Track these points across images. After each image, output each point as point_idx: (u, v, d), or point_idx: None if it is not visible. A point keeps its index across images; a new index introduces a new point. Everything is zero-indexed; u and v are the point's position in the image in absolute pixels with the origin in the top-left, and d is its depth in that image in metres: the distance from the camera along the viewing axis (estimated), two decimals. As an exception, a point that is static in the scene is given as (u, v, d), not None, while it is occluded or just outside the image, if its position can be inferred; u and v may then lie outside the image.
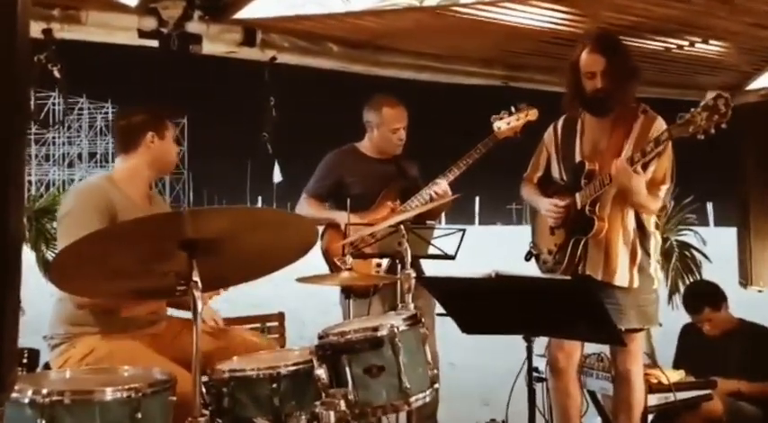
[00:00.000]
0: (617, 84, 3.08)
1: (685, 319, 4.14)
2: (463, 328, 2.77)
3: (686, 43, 3.84)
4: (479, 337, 2.85)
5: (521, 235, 4.10)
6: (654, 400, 3.42)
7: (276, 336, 3.74)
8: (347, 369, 2.32)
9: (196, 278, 2.05)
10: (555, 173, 3.38)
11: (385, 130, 3.84)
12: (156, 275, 2.12)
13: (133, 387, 2.04)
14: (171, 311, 2.90)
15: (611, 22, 3.46)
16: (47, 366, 2.77)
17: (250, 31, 3.36)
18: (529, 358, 2.68)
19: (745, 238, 5.02)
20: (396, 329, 2.38)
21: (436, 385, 2.49)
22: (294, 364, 2.39)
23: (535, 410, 2.75)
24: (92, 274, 2.13)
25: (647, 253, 3.20)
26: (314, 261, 3.19)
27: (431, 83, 4.18)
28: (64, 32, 3.00)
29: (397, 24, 3.53)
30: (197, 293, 2.05)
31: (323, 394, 2.25)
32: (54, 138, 46.75)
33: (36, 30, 2.89)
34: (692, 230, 5.79)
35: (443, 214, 4.72)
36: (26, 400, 1.96)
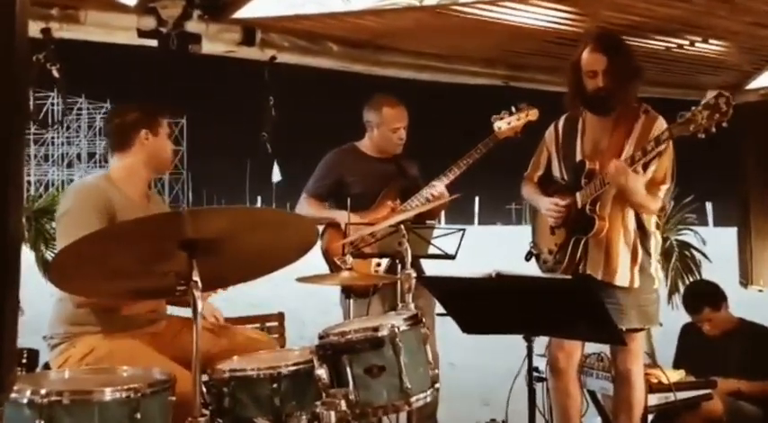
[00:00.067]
0: (618, 83, 3.07)
1: (685, 318, 4.14)
2: (463, 327, 2.76)
3: (687, 43, 3.83)
4: (479, 337, 2.85)
5: (520, 235, 4.10)
6: (654, 399, 3.42)
7: (276, 336, 3.73)
8: (348, 369, 2.32)
9: (196, 278, 2.05)
10: (555, 172, 3.37)
11: (385, 129, 3.84)
12: (156, 275, 2.12)
13: (132, 387, 2.04)
14: (171, 310, 2.90)
15: (611, 21, 3.45)
16: (46, 366, 2.76)
17: (249, 31, 3.35)
18: (529, 358, 2.68)
19: (746, 237, 5.02)
20: (396, 329, 2.38)
21: (437, 385, 2.49)
22: (295, 364, 2.39)
23: (535, 410, 2.75)
24: (91, 273, 2.13)
25: (647, 253, 3.20)
26: (314, 261, 3.19)
27: (431, 82, 4.18)
28: (63, 32, 2.99)
29: (397, 24, 3.53)
30: (197, 293, 2.05)
31: (323, 394, 2.25)
32: (53, 138, 46.72)
33: (35, 29, 2.88)
34: (691, 230, 5.79)
35: (443, 214, 4.72)
36: (25, 401, 1.96)
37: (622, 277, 3.15)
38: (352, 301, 3.52)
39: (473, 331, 2.77)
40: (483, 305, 2.63)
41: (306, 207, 3.92)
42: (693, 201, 5.75)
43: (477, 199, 41.24)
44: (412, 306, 2.82)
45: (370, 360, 2.34)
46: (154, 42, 3.13)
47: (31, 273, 3.57)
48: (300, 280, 2.93)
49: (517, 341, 2.71)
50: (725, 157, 5.37)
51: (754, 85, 4.59)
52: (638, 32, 3.57)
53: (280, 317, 3.83)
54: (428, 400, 2.46)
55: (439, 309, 3.12)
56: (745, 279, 5.01)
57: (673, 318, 4.32)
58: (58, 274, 2.17)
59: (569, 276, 3.09)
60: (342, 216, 3.63)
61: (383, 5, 3.22)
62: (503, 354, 4.02)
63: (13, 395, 1.94)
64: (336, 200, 3.89)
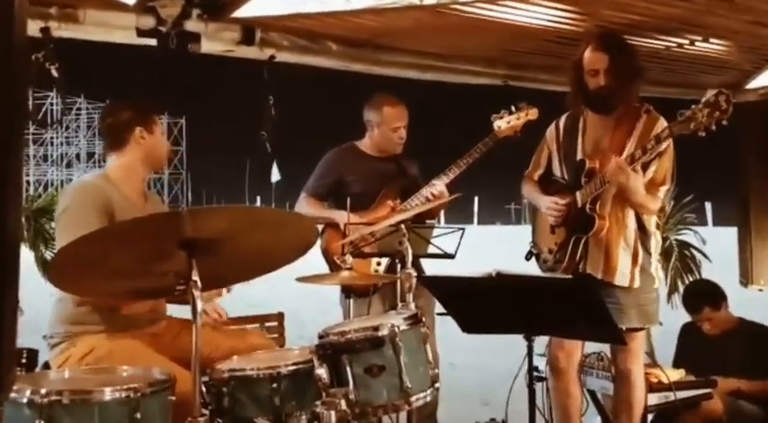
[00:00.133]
0: (620, 82, 3.07)
1: (685, 318, 4.14)
2: (464, 327, 2.76)
3: (687, 42, 3.83)
4: (479, 336, 2.85)
5: (520, 235, 4.10)
6: (654, 399, 3.42)
7: (276, 336, 3.73)
8: (348, 368, 2.32)
9: (195, 277, 2.05)
10: (556, 171, 3.37)
11: (386, 128, 3.84)
12: (156, 275, 2.12)
13: (132, 387, 2.03)
14: (171, 311, 2.89)
15: (611, 20, 3.45)
16: (46, 366, 2.76)
17: (249, 30, 3.34)
18: (529, 357, 2.68)
19: (746, 236, 5.02)
20: (396, 329, 2.38)
21: (437, 385, 2.49)
22: (294, 364, 2.39)
23: (535, 410, 2.75)
24: (91, 273, 2.12)
25: (647, 252, 3.20)
26: (313, 260, 3.18)
27: (431, 82, 4.17)
28: (62, 31, 2.98)
29: (397, 23, 3.52)
30: (196, 293, 2.05)
31: (323, 394, 2.24)
32: (52, 138, 46.66)
33: (33, 28, 2.88)
34: (691, 230, 5.79)
35: (442, 214, 4.71)
36: (24, 400, 1.96)
37: (622, 277, 3.15)
38: (352, 300, 3.52)
39: (473, 331, 2.77)
40: (483, 305, 2.63)
41: (305, 206, 3.91)
42: (693, 200, 5.75)
43: (476, 199, 41.24)
44: (412, 305, 2.82)
45: (370, 359, 2.34)
46: (153, 41, 3.12)
47: (30, 272, 3.57)
48: (300, 280, 2.93)
49: (517, 341, 2.71)
50: (724, 156, 5.37)
51: (753, 84, 4.58)
52: (638, 31, 3.56)
53: (279, 317, 3.83)
54: (428, 399, 2.46)
55: (439, 308, 3.12)
56: (746, 278, 5.01)
57: (672, 317, 4.32)
58: (58, 273, 2.17)
59: (569, 276, 3.09)
60: (341, 216, 3.63)
61: (383, 4, 3.21)
62: (503, 353, 4.02)
63: (12, 395, 1.94)
64: (336, 199, 3.89)
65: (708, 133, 2.86)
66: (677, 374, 3.60)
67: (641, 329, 3.23)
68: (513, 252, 4.32)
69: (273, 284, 2.67)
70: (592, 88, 3.12)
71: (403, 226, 3.01)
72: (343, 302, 3.69)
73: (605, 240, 3.15)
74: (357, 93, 4.38)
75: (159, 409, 2.08)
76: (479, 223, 38.82)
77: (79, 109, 46.06)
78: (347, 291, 3.60)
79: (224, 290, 2.82)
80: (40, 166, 47.16)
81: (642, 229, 3.20)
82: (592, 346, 3.47)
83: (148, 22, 3.07)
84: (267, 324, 3.74)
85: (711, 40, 3.81)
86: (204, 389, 2.32)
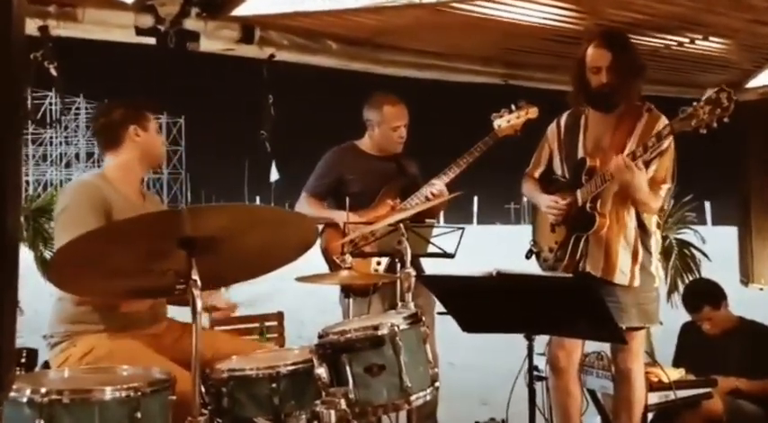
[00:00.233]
0: (622, 79, 3.07)
1: (684, 317, 4.13)
2: (464, 326, 2.76)
3: (687, 40, 3.82)
4: (478, 336, 2.85)
5: (519, 234, 4.10)
6: (654, 398, 3.42)
7: (275, 335, 3.73)
8: (347, 368, 2.31)
9: (195, 276, 2.04)
10: (557, 169, 3.36)
11: (386, 128, 3.83)
12: (155, 274, 2.11)
13: (132, 386, 2.03)
14: (173, 313, 2.88)
15: (611, 18, 3.44)
16: (46, 365, 2.75)
17: (248, 29, 3.34)
18: (530, 357, 2.67)
19: (746, 235, 5.02)
20: (396, 328, 2.37)
21: (437, 384, 2.48)
22: (294, 364, 2.38)
23: (535, 409, 2.74)
24: (90, 273, 2.12)
25: (648, 251, 3.19)
26: (313, 260, 3.18)
27: (430, 80, 4.17)
28: (60, 30, 2.98)
29: (396, 21, 3.52)
30: (196, 292, 2.04)
31: (323, 393, 2.24)
32: (51, 138, 46.66)
33: (32, 27, 2.87)
34: (691, 229, 5.78)
35: (441, 214, 4.71)
36: (24, 400, 1.95)
37: (622, 275, 3.14)
38: (351, 300, 3.51)
39: (473, 330, 2.77)
40: (483, 304, 2.62)
41: (305, 206, 3.90)
42: (692, 200, 5.74)
43: (475, 198, 41.23)
44: (412, 305, 2.81)
45: (369, 359, 2.33)
46: (152, 40, 3.12)
47: (29, 272, 3.57)
48: (300, 279, 2.92)
49: (517, 340, 2.71)
50: (724, 156, 5.37)
51: (754, 83, 4.58)
52: (638, 30, 3.56)
53: (279, 316, 3.84)
54: (428, 398, 2.45)
55: (439, 308, 3.11)
56: (746, 277, 5.01)
57: (672, 316, 4.31)
58: (57, 273, 2.16)
59: (570, 275, 3.09)
60: (341, 216, 3.63)
61: (382, 3, 3.21)
62: (502, 353, 4.02)
63: (12, 394, 1.93)
64: (336, 198, 3.88)
65: (709, 131, 2.86)
66: (677, 374, 3.60)
67: (641, 328, 3.23)
68: (513, 251, 4.31)
69: (274, 284, 2.66)
70: (594, 85, 3.12)
71: (402, 225, 3.01)
72: (343, 302, 3.69)
73: (605, 238, 3.15)
74: (356, 92, 4.38)
75: (159, 409, 2.07)
76: (479, 223, 38.81)
77: (78, 109, 46.01)
78: (347, 290, 3.60)
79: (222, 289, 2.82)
80: (39, 165, 47.15)
81: (643, 228, 3.20)
82: (592, 346, 3.46)
83: (147, 20, 3.06)
84: (267, 324, 3.74)
85: (712, 38, 3.81)
86: (204, 389, 2.32)
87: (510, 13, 3.39)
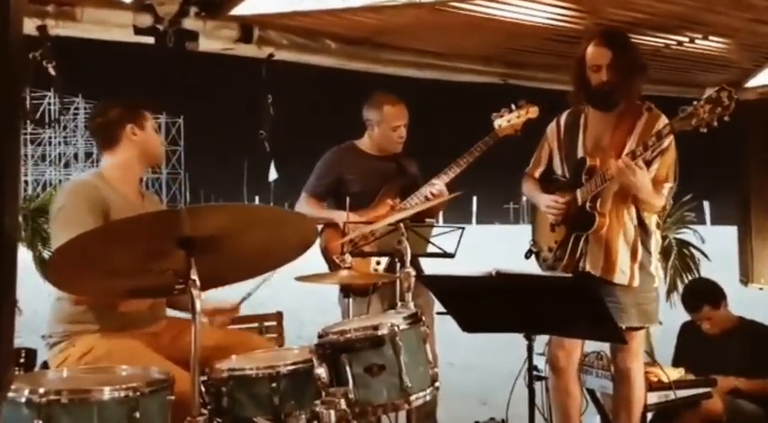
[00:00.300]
0: (622, 78, 3.07)
1: (684, 317, 4.13)
2: (463, 326, 2.75)
3: (686, 40, 3.82)
4: (478, 336, 2.84)
5: (518, 234, 4.10)
6: (654, 398, 3.42)
7: (274, 335, 3.72)
8: (347, 368, 2.31)
9: (194, 276, 2.04)
10: (557, 168, 3.36)
11: (386, 127, 3.83)
12: (154, 274, 2.11)
13: (131, 386, 2.02)
14: (170, 312, 2.88)
15: (611, 18, 3.44)
16: (45, 365, 2.75)
17: (247, 28, 3.33)
18: (529, 357, 2.67)
19: (746, 235, 5.02)
20: (396, 328, 2.36)
21: (437, 384, 2.48)
22: (294, 364, 2.38)
23: (535, 409, 2.74)
24: (89, 272, 2.11)
25: (647, 251, 3.19)
26: (313, 259, 3.17)
27: (430, 80, 4.16)
28: (59, 29, 2.97)
29: (395, 21, 3.51)
30: (195, 292, 2.04)
31: (323, 393, 2.23)
32: (50, 138, 46.61)
33: (30, 26, 2.86)
34: (690, 228, 5.78)
35: (441, 214, 4.70)
36: (23, 400, 1.94)
37: (621, 274, 3.14)
38: (351, 300, 3.51)
39: (473, 330, 2.76)
40: (483, 304, 2.62)
41: (305, 206, 3.90)
42: (692, 199, 5.74)
43: (474, 198, 41.27)
44: (411, 305, 2.81)
45: (369, 359, 2.33)
46: (150, 40, 3.11)
47: (28, 272, 3.56)
48: (299, 279, 2.92)
49: (516, 340, 2.70)
50: (723, 156, 5.36)
51: (753, 82, 4.58)
52: (637, 29, 3.55)
53: (278, 316, 3.82)
54: (428, 398, 2.44)
55: (438, 307, 3.11)
56: (746, 277, 5.01)
57: (672, 316, 4.31)
58: (56, 273, 2.15)
59: (569, 274, 3.08)
60: (341, 216, 3.62)
61: (382, 2, 3.21)
62: (502, 353, 4.02)
63: (11, 394, 1.93)
64: (336, 198, 3.87)
65: (710, 130, 2.86)
66: (677, 373, 3.60)
67: (641, 328, 3.23)
68: (512, 251, 4.31)
69: (273, 284, 2.66)
70: (594, 84, 3.11)
71: (402, 225, 3.00)
72: (342, 302, 3.68)
73: (605, 238, 3.14)
74: (356, 91, 4.37)
75: (158, 409, 2.07)
76: (478, 223, 38.85)
77: (77, 109, 45.95)
78: (346, 290, 3.59)
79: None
80: (38, 166, 47.10)
81: (643, 227, 3.19)
82: (591, 346, 3.46)
83: (146, 20, 3.06)
84: (266, 324, 3.73)
85: (711, 37, 3.81)
86: (203, 388, 2.31)
87: (509, 12, 3.39)
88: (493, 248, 14.49)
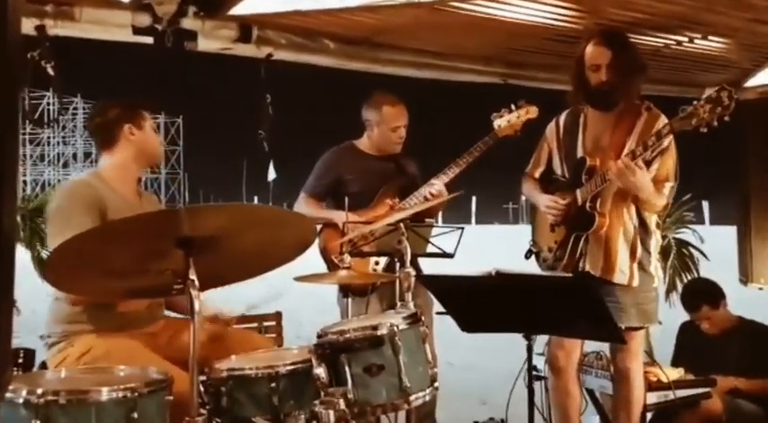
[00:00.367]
0: (621, 77, 3.06)
1: (683, 316, 4.13)
2: (463, 326, 2.75)
3: (686, 39, 3.82)
4: (478, 336, 2.84)
5: (518, 234, 4.10)
6: (653, 398, 3.42)
7: (273, 335, 3.72)
8: (346, 368, 2.31)
9: (193, 276, 2.03)
10: (557, 168, 3.36)
11: (385, 128, 3.82)
12: (153, 274, 2.10)
13: (129, 387, 2.02)
14: (169, 312, 2.88)
15: (611, 18, 3.44)
16: (43, 366, 2.74)
17: (246, 28, 3.33)
18: (529, 357, 2.67)
19: (746, 234, 5.01)
20: (396, 328, 2.36)
21: (436, 384, 2.47)
22: (293, 364, 2.38)
23: (534, 409, 2.74)
24: (87, 272, 2.11)
25: (647, 251, 3.19)
26: (312, 259, 3.17)
27: (429, 80, 4.16)
28: (57, 29, 2.96)
29: (394, 20, 3.51)
30: (194, 292, 2.03)
31: (322, 393, 2.23)
32: (49, 138, 46.56)
33: (29, 26, 2.86)
34: (689, 228, 5.78)
35: (440, 214, 4.70)
36: (20, 400, 1.94)
37: (621, 274, 3.14)
38: (350, 300, 3.50)
39: (472, 330, 2.76)
40: (482, 304, 2.61)
41: (304, 206, 3.89)
42: (691, 199, 5.74)
43: (474, 198, 41.29)
44: (411, 305, 2.81)
45: (369, 359, 2.33)
46: (149, 39, 3.11)
47: (26, 272, 3.56)
48: (298, 279, 2.91)
49: (516, 340, 2.70)
50: (722, 155, 5.36)
51: (753, 82, 4.58)
52: (637, 29, 3.55)
53: (277, 316, 3.82)
54: (427, 399, 2.44)
55: (438, 307, 3.11)
56: (746, 277, 5.00)
57: (671, 316, 4.31)
58: (54, 273, 2.15)
59: (569, 274, 3.08)
60: (340, 216, 3.62)
61: (380, 2, 3.20)
62: (501, 353, 4.02)
63: (8, 395, 1.92)
64: (335, 198, 3.87)
65: (710, 130, 2.85)
66: (676, 373, 3.60)
67: (640, 328, 3.22)
68: (512, 251, 4.31)
69: (271, 284, 2.65)
70: (593, 84, 3.11)
71: (402, 225, 3.00)
72: (341, 302, 3.68)
73: (605, 238, 3.14)
74: (355, 91, 4.37)
75: (156, 409, 2.07)
76: (477, 223, 38.86)
77: (76, 108, 45.90)
78: (345, 290, 3.59)
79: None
80: (37, 165, 47.05)
81: (643, 227, 3.19)
82: (591, 346, 3.46)
83: (144, 19, 3.05)
84: (265, 324, 3.73)
85: (711, 37, 3.80)
86: (202, 388, 2.31)
87: (509, 12, 3.39)
88: (492, 248, 14.51)
